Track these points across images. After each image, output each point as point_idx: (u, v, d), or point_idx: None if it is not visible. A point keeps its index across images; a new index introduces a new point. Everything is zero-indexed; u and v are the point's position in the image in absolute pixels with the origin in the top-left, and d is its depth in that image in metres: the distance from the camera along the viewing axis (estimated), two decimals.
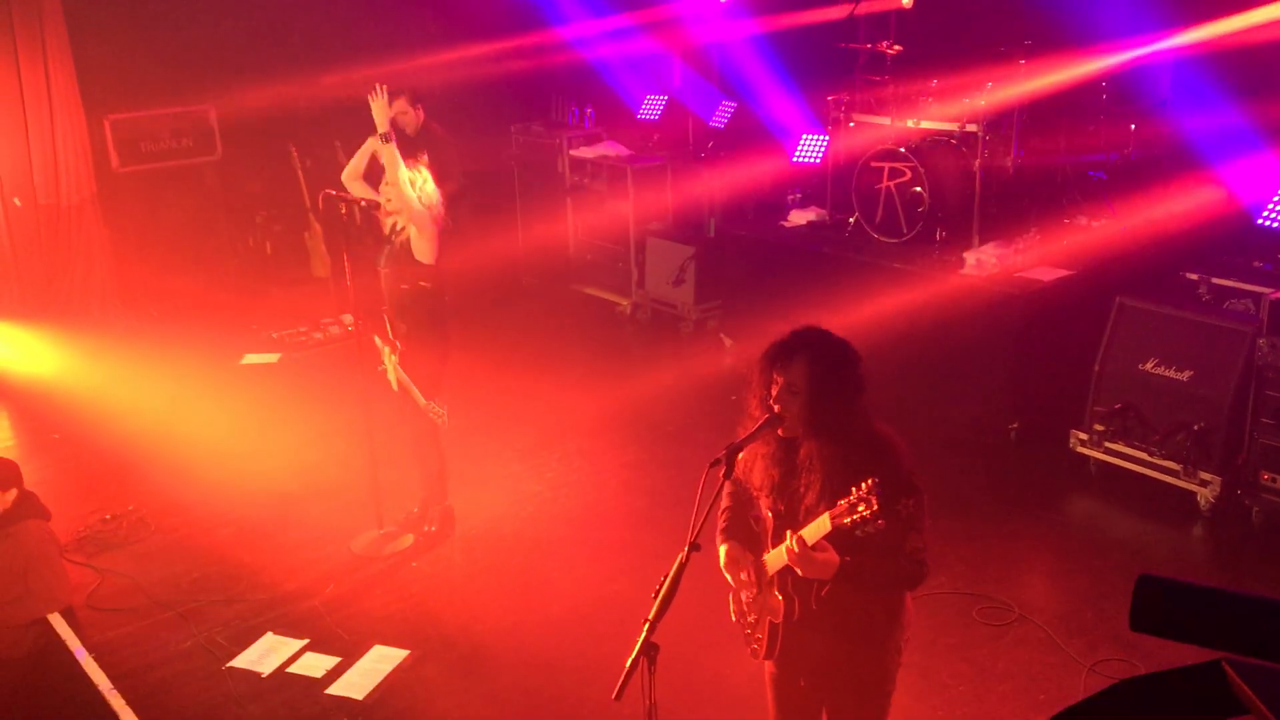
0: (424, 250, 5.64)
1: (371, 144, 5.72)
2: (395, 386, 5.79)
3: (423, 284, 5.69)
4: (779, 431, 3.12)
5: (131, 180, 9.79)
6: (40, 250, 9.28)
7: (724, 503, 3.39)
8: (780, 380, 3.08)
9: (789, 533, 2.98)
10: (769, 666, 3.44)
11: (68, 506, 6.17)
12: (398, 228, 5.68)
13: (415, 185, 5.59)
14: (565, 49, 11.08)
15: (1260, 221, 6.55)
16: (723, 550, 3.30)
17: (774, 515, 3.18)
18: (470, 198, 8.72)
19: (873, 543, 2.97)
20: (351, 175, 5.83)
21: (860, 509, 2.78)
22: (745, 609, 3.36)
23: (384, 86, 5.66)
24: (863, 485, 2.80)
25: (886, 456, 3.06)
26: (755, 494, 3.28)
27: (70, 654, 5.11)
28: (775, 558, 3.12)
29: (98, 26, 9.33)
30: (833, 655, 3.27)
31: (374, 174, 5.81)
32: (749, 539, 3.30)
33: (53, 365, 8.64)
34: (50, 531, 5.43)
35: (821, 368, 3.04)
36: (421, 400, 5.74)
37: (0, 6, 8.76)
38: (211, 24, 9.79)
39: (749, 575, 3.24)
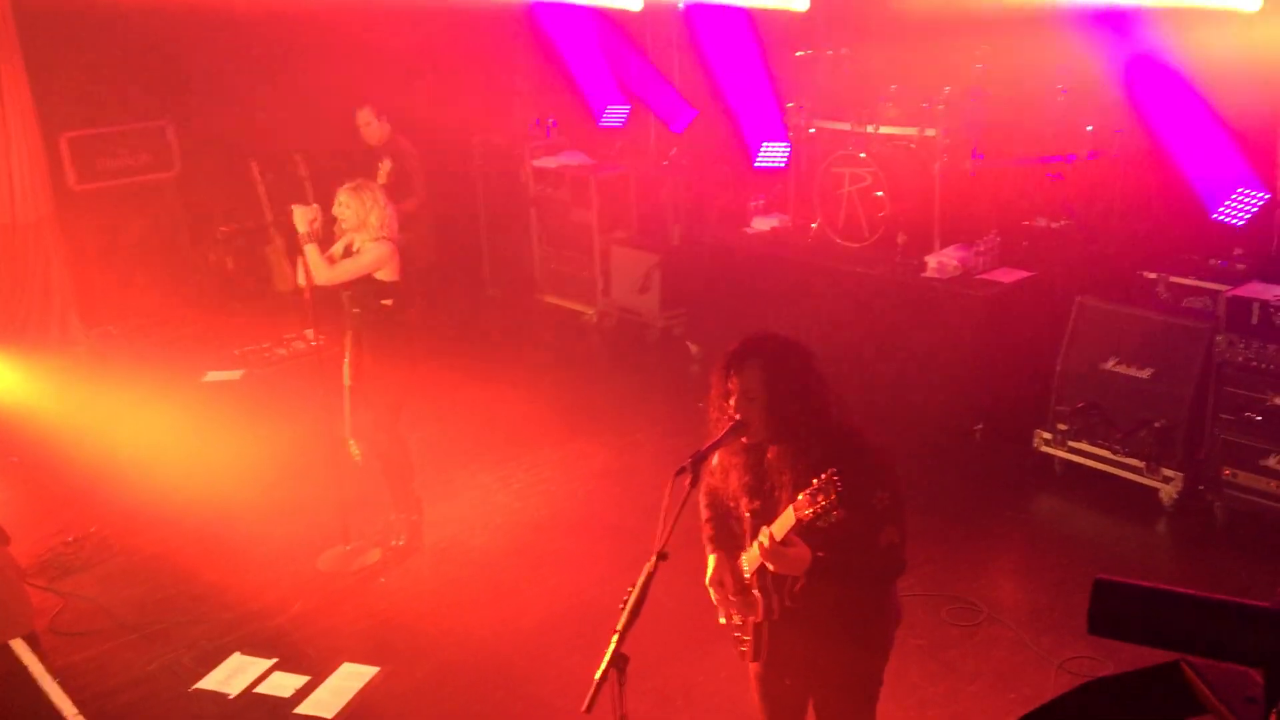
0: (385, 269, 5.65)
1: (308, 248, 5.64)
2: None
3: (385, 302, 5.68)
4: (743, 438, 3.14)
5: (89, 198, 9.67)
6: None
7: (705, 514, 3.43)
8: (737, 388, 3.10)
9: (763, 529, 3.00)
10: (755, 667, 3.47)
11: (28, 530, 6.10)
12: (354, 248, 5.68)
13: (355, 248, 5.66)
14: (527, 57, 11.08)
15: (1215, 216, 6.63)
16: (711, 561, 3.34)
17: (751, 516, 3.21)
18: (433, 209, 8.68)
19: (846, 537, 2.99)
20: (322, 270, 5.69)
21: (819, 499, 2.81)
22: (731, 611, 3.38)
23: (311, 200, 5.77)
24: (822, 475, 2.82)
25: (856, 452, 3.08)
26: (732, 499, 3.31)
27: (34, 680, 5.04)
28: (751, 556, 3.16)
29: (53, 42, 9.21)
30: (815, 653, 3.30)
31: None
32: (735, 546, 3.33)
33: (11, 386, 8.52)
34: (10, 556, 5.33)
35: (775, 372, 3.08)
36: (348, 429, 5.84)
37: None
38: (169, 39, 9.68)
39: (729, 581, 3.26)
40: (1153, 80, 6.91)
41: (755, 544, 3.05)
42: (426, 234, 8.63)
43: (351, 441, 5.91)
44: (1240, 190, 6.60)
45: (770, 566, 3.03)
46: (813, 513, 2.83)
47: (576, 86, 10.46)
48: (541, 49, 10.86)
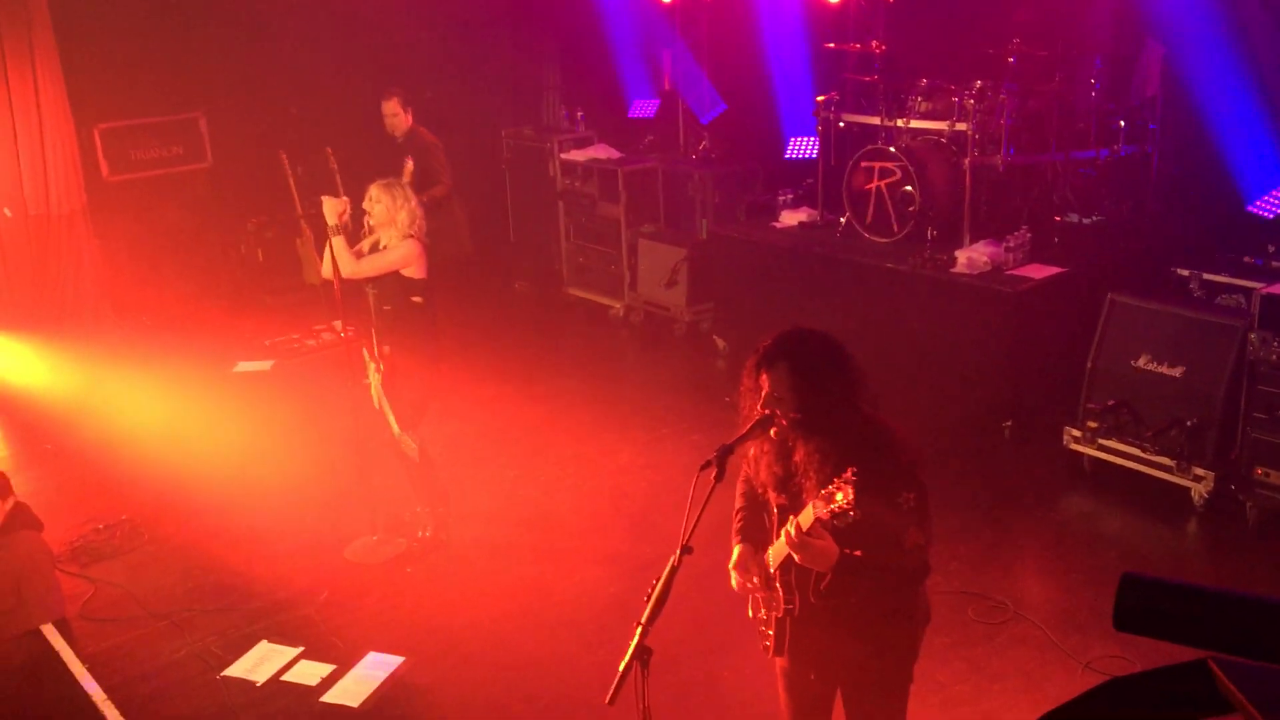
0: (413, 266, 5.66)
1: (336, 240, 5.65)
2: (376, 404, 5.81)
3: (414, 299, 5.70)
4: (771, 433, 3.14)
5: (122, 189, 9.77)
6: (31, 261, 9.24)
7: (739, 503, 3.44)
8: (767, 384, 3.10)
9: (790, 519, 3.00)
10: (780, 662, 3.46)
11: (60, 517, 6.16)
12: (380, 245, 5.70)
13: (382, 245, 5.68)
14: (557, 47, 11.10)
15: (1250, 208, 6.56)
16: (736, 551, 3.34)
17: (779, 510, 3.20)
18: (460, 200, 8.69)
19: (871, 536, 2.98)
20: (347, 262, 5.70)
21: (837, 497, 2.79)
22: (757, 605, 3.38)
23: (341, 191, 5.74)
24: (843, 475, 2.81)
25: (884, 450, 3.07)
26: (762, 493, 3.31)
27: (64, 665, 5.10)
28: (778, 550, 3.14)
29: (86, 35, 9.30)
30: (839, 650, 3.29)
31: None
32: (763, 539, 3.32)
33: (44, 376, 8.61)
34: (43, 543, 5.41)
35: (803, 372, 3.06)
36: (396, 429, 5.77)
37: None
38: (201, 31, 9.76)
39: (755, 573, 3.25)
40: (1190, 71, 6.84)
41: (782, 535, 3.04)
42: (462, 229, 8.64)
43: (404, 437, 5.78)
44: None
45: (796, 558, 3.02)
46: (831, 511, 2.82)
47: (607, 74, 10.47)
48: (572, 37, 10.88)
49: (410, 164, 7.97)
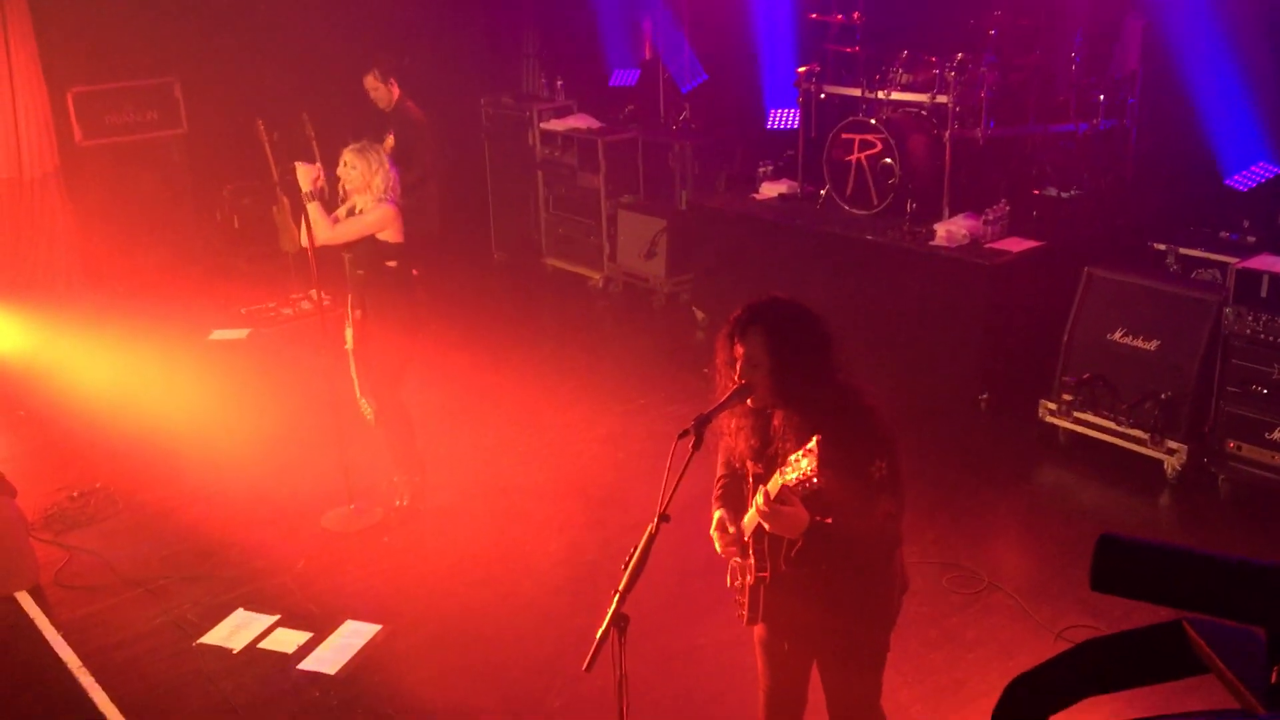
0: (387, 230, 5.62)
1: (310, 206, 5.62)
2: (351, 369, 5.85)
3: (389, 264, 5.67)
4: (749, 402, 3.14)
5: (95, 154, 9.66)
6: (2, 226, 9.14)
7: (719, 470, 3.45)
8: (741, 353, 3.09)
9: (760, 488, 3.01)
10: (757, 630, 3.48)
11: (34, 484, 6.12)
12: (356, 209, 5.66)
13: (359, 210, 5.63)
14: (536, 14, 11.01)
15: (1228, 181, 6.60)
16: (715, 516, 3.35)
17: (754, 480, 3.21)
18: (438, 182, 8.53)
19: (842, 504, 2.99)
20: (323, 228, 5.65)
21: (800, 464, 2.80)
22: (734, 573, 3.40)
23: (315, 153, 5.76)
24: (807, 444, 2.81)
25: (858, 419, 3.07)
26: (739, 463, 3.32)
27: (38, 632, 5.08)
28: (750, 518, 3.15)
29: None
30: (812, 619, 3.31)
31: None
32: (741, 507, 3.33)
33: (17, 342, 8.53)
34: (16, 509, 5.38)
35: (778, 337, 3.05)
36: (357, 390, 5.84)
37: None
38: None
39: (731, 537, 3.26)
40: (1170, 46, 6.86)
41: (753, 504, 3.05)
42: (432, 208, 8.42)
43: (363, 400, 5.91)
44: (1262, 163, 6.58)
45: (767, 526, 3.03)
46: (796, 479, 2.83)
47: (588, 42, 10.39)
48: (552, 4, 10.79)
49: (391, 139, 7.86)
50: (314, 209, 5.57)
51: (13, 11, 8.80)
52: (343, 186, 5.67)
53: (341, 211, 5.73)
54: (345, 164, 5.61)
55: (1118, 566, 1.12)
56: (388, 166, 5.64)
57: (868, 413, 3.11)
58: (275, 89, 9.57)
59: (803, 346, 3.08)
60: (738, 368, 3.11)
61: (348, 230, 5.62)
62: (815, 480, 2.80)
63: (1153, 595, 1.12)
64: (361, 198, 5.63)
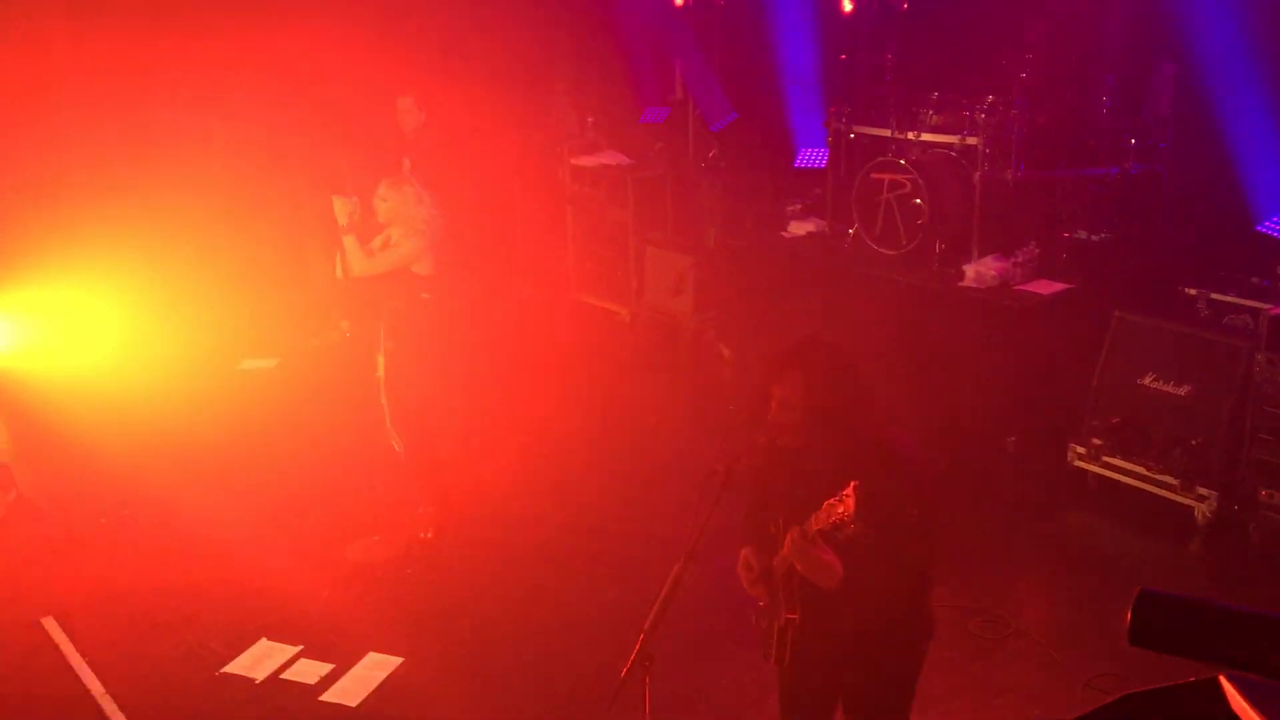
0: (421, 263, 5.66)
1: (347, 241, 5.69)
2: (381, 400, 5.88)
3: (424, 295, 5.71)
4: (781, 443, 3.13)
5: None
6: None
7: (748, 510, 3.44)
8: (778, 394, 3.08)
9: (793, 528, 2.99)
10: (780, 670, 3.46)
11: (63, 509, 6.15)
12: (391, 242, 5.71)
13: (393, 242, 5.68)
14: (569, 53, 11.10)
15: (1260, 229, 6.56)
16: (743, 554, 3.34)
17: (785, 522, 3.19)
18: (468, 206, 8.61)
19: (874, 549, 2.97)
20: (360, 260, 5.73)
21: (838, 509, 2.78)
22: (760, 614, 3.37)
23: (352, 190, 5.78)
24: (845, 489, 2.80)
25: (893, 463, 3.06)
26: (770, 503, 3.30)
27: (63, 658, 5.10)
28: (781, 559, 3.13)
29: None
30: (840, 663, 3.28)
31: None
32: (770, 547, 3.32)
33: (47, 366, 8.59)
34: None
35: (816, 381, 3.04)
36: (387, 421, 5.86)
37: None
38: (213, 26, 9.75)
39: (758, 578, 3.25)
40: (1202, 91, 6.85)
41: (785, 544, 3.03)
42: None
43: (393, 431, 5.91)
44: None
45: (798, 566, 3.01)
46: (831, 523, 2.81)
47: (619, 80, 10.46)
48: (585, 43, 10.88)
49: (408, 163, 7.96)
50: (350, 242, 5.61)
51: None
52: (377, 219, 5.71)
53: (377, 243, 5.78)
54: (380, 196, 5.66)
55: (1156, 622, 1.11)
56: (428, 201, 5.68)
57: (902, 457, 3.09)
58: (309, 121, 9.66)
59: (839, 391, 3.06)
60: (774, 408, 3.10)
61: (383, 262, 5.65)
62: (852, 526, 2.79)
63: (1191, 651, 1.11)
64: (396, 230, 5.68)
